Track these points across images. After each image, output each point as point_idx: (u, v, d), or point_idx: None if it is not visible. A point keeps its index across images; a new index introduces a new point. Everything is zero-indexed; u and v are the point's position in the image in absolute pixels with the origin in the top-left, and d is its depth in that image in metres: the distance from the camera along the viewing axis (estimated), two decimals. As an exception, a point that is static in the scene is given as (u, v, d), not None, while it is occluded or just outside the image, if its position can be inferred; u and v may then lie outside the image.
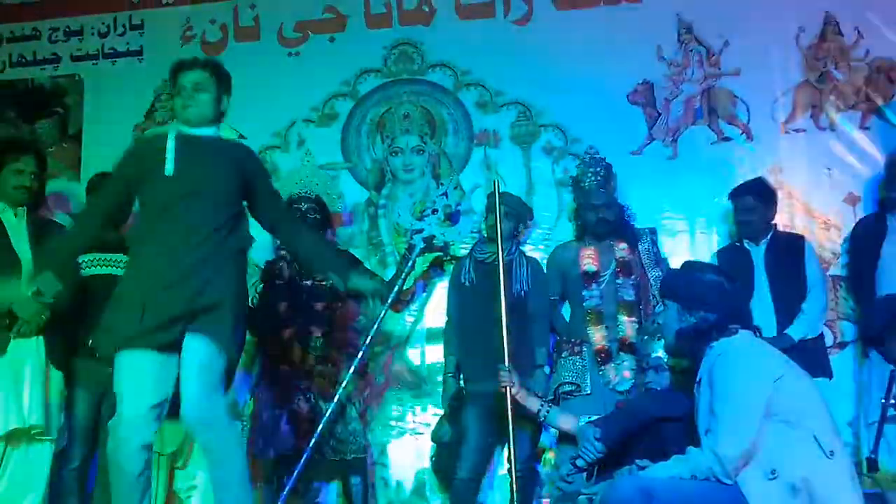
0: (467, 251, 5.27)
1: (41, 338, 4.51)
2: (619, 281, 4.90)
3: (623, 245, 4.96)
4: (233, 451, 3.70)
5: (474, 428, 4.82)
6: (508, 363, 4.37)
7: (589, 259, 4.96)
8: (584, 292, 4.92)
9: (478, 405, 4.82)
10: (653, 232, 5.14)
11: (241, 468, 3.70)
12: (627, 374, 4.72)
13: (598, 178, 5.01)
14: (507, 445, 4.43)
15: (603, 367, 4.76)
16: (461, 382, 5.04)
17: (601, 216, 4.97)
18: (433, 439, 5.15)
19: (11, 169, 4.70)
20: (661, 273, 4.91)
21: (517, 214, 5.10)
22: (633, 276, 4.92)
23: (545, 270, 5.14)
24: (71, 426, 4.74)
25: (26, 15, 6.59)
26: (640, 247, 5.03)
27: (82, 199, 5.39)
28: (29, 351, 4.47)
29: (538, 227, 5.63)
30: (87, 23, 6.49)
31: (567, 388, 4.76)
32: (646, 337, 4.87)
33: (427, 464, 5.33)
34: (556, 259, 5.14)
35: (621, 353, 4.78)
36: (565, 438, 4.35)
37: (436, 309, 5.53)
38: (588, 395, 4.71)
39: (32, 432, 4.44)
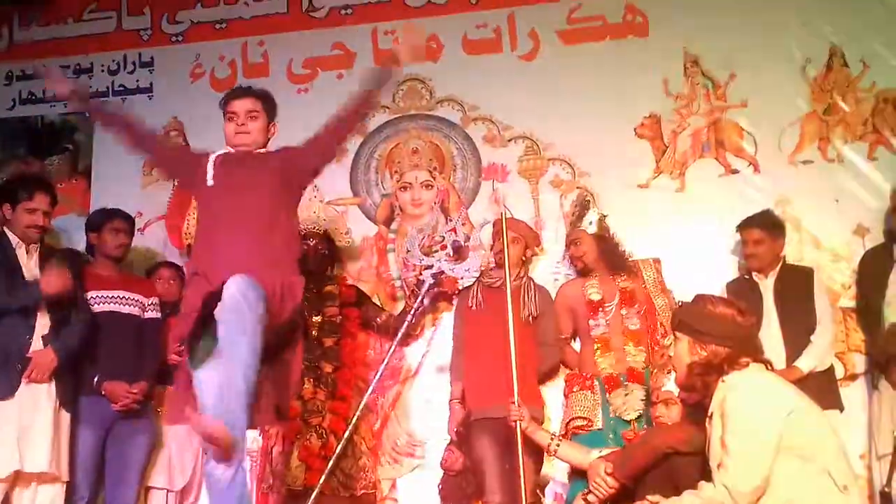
0: (475, 278, 5.26)
1: (52, 384, 4.53)
2: (623, 311, 4.92)
3: (622, 276, 5.00)
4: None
5: (491, 456, 4.75)
6: (518, 397, 4.37)
7: (593, 288, 4.99)
8: (591, 321, 4.94)
9: (486, 431, 4.78)
10: (656, 262, 5.14)
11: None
12: (637, 403, 4.71)
13: (574, 216, 5.16)
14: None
15: (610, 396, 4.76)
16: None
17: (571, 253, 5.11)
18: (444, 467, 5.13)
19: (24, 207, 4.74)
20: (666, 301, 4.94)
21: (525, 239, 5.14)
22: (636, 305, 4.94)
23: (554, 309, 5.14)
24: (76, 464, 4.74)
25: (37, 53, 6.65)
26: (644, 276, 5.05)
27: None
28: (40, 395, 4.49)
29: (547, 260, 5.63)
30: (97, 60, 6.56)
31: (579, 422, 4.74)
32: (655, 370, 4.85)
33: (437, 498, 5.29)
34: (564, 296, 5.16)
35: (629, 384, 4.77)
36: (576, 473, 4.33)
37: (445, 343, 5.51)
38: (600, 429, 4.70)
39: (45, 477, 4.45)
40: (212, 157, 3.95)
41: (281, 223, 3.85)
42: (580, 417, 4.75)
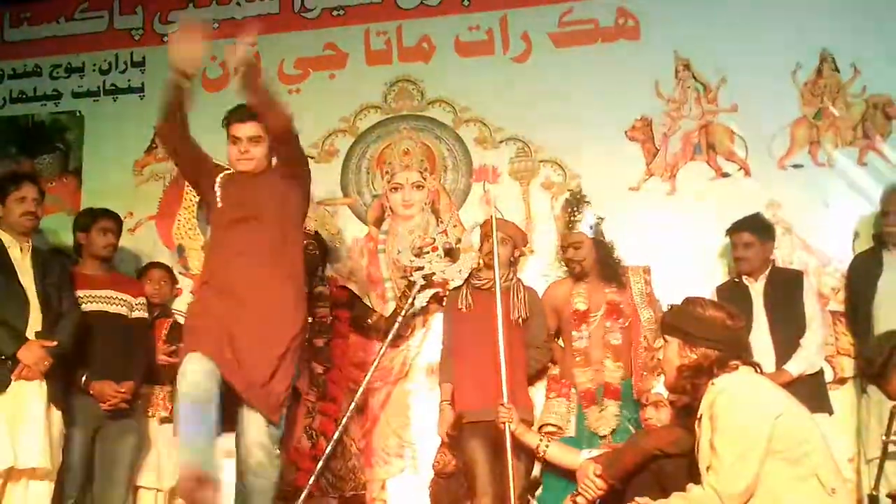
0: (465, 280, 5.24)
1: (43, 381, 4.53)
2: (607, 324, 4.89)
3: (612, 286, 4.96)
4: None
5: (481, 458, 4.72)
6: (507, 399, 4.37)
7: (580, 297, 4.96)
8: (574, 332, 4.92)
9: (477, 434, 4.75)
10: (646, 271, 5.11)
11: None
12: (612, 419, 4.71)
13: (572, 217, 5.05)
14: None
15: (585, 411, 4.76)
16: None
17: (569, 256, 5.00)
18: (434, 470, 5.12)
19: (14, 198, 4.75)
20: (652, 313, 4.91)
21: (513, 240, 5.11)
22: (621, 319, 4.90)
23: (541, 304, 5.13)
24: (66, 463, 4.72)
25: (28, 52, 6.64)
26: (633, 286, 5.02)
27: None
28: (31, 392, 4.48)
29: (537, 262, 5.63)
30: (89, 60, 6.55)
31: (550, 429, 4.75)
32: (645, 373, 4.85)
33: (426, 500, 5.28)
34: (551, 295, 5.14)
35: (605, 399, 4.76)
36: (555, 470, 4.34)
37: (435, 344, 5.51)
38: (571, 437, 4.70)
39: (36, 473, 4.45)
40: (218, 179, 4.01)
41: (287, 255, 3.99)
42: (551, 425, 4.76)
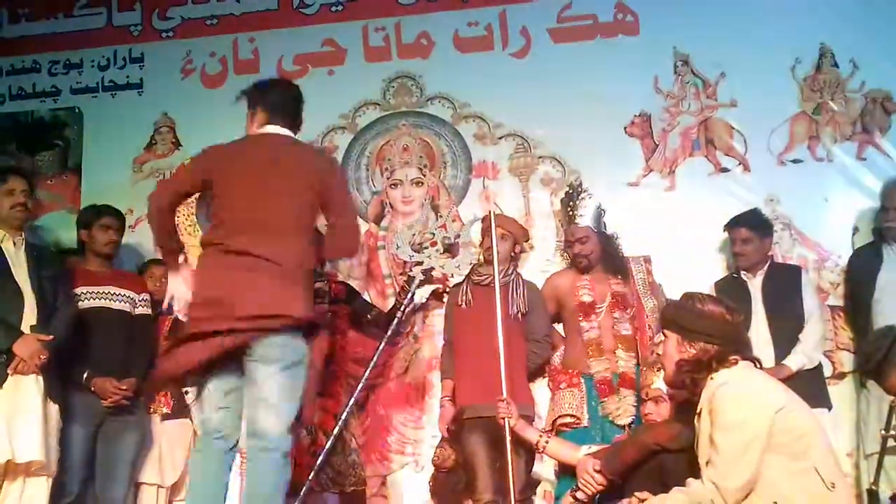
0: (465, 276, 5.23)
1: (40, 375, 4.52)
2: (615, 315, 4.89)
3: (617, 278, 4.96)
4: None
5: (481, 453, 4.71)
6: (506, 394, 4.37)
7: (585, 289, 4.95)
8: (583, 323, 4.91)
9: (477, 429, 4.75)
10: (647, 261, 5.11)
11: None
12: (630, 409, 4.71)
13: (573, 212, 5.03)
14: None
15: (604, 400, 4.75)
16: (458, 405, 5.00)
17: (576, 251, 4.99)
18: (434, 465, 5.12)
19: (3, 192, 4.74)
20: (655, 302, 4.92)
21: (513, 235, 5.10)
22: (628, 310, 4.91)
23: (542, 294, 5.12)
24: (66, 460, 4.71)
25: (27, 48, 6.63)
26: (635, 276, 5.02)
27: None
28: (27, 386, 4.48)
29: (537, 257, 5.64)
30: (88, 56, 6.53)
31: (567, 419, 4.74)
32: (645, 367, 4.84)
33: (427, 495, 5.29)
34: (552, 285, 5.12)
35: (622, 389, 4.76)
36: (564, 469, 4.33)
37: (435, 340, 5.51)
38: (587, 427, 4.70)
39: (32, 468, 4.44)
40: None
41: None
42: (568, 415, 4.75)
